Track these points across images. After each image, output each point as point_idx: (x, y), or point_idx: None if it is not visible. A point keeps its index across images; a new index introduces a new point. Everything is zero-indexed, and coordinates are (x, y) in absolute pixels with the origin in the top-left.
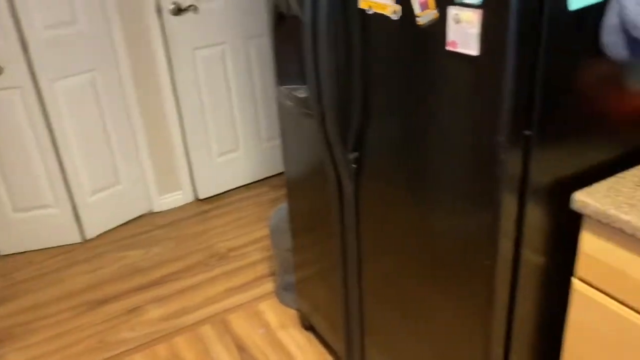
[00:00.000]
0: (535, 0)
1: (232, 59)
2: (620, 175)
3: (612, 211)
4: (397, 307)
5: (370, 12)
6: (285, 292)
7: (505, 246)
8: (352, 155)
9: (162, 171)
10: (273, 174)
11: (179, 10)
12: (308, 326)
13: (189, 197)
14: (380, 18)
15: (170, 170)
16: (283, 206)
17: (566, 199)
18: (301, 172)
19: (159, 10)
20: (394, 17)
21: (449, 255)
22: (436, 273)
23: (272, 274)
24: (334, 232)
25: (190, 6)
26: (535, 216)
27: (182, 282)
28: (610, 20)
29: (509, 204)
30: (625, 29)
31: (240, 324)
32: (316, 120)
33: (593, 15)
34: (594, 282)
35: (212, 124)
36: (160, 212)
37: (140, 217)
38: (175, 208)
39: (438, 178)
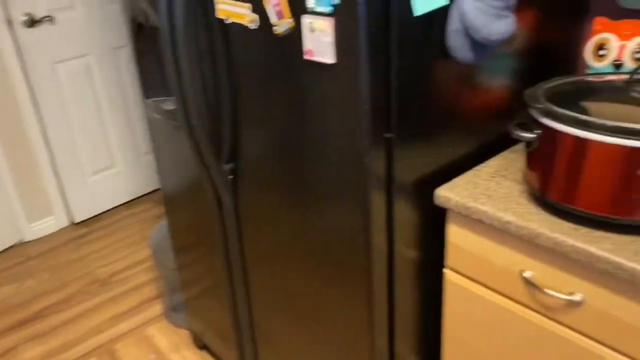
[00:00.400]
0: (382, 7)
1: (100, 70)
2: (477, 168)
3: (471, 203)
4: (286, 312)
5: (229, 22)
6: (175, 312)
7: (379, 243)
8: (228, 167)
9: (30, 197)
10: (156, 188)
11: (33, 22)
12: (201, 345)
13: (63, 222)
14: (240, 27)
15: (39, 195)
16: (164, 223)
17: (431, 194)
18: (178, 187)
19: (9, 23)
20: (252, 26)
21: (330, 256)
22: (320, 273)
23: (160, 295)
24: (216, 246)
25: (45, 17)
26: (405, 213)
27: (61, 315)
28: (453, 24)
29: (377, 204)
30: (467, 33)
31: (129, 352)
32: (186, 132)
33: (439, 20)
34: (463, 271)
35: (83, 141)
36: (32, 241)
37: (9, 248)
38: (48, 235)
39: (313, 182)
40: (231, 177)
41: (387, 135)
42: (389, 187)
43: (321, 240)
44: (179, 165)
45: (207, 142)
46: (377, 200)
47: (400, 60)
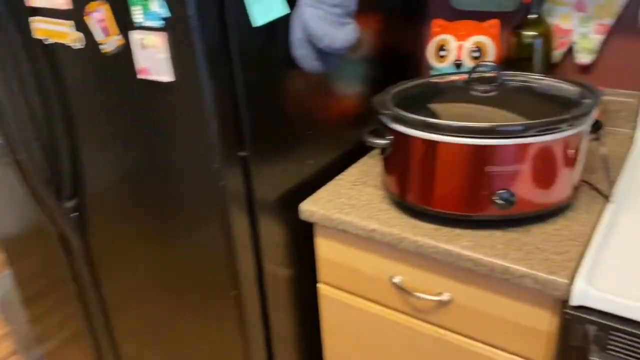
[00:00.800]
0: (217, 19)
1: None
2: (339, 177)
3: (336, 214)
4: (158, 350)
5: (49, 42)
6: None
7: (246, 265)
8: (71, 203)
9: None
10: None
11: None
12: None
13: None
14: (64, 48)
15: None
16: (9, 272)
17: (297, 209)
18: (19, 230)
19: None
20: (78, 46)
21: (197, 284)
22: (189, 304)
23: (15, 352)
24: (70, 291)
25: None
26: (272, 231)
27: None
28: (296, 34)
29: (240, 225)
30: (311, 42)
31: None
32: (16, 169)
33: (281, 30)
34: (336, 283)
35: None
36: None
37: None
38: None
39: (170, 209)
40: (76, 214)
41: (241, 153)
42: (251, 206)
43: (186, 269)
44: (16, 206)
45: (42, 178)
46: (239, 222)
47: (246, 73)
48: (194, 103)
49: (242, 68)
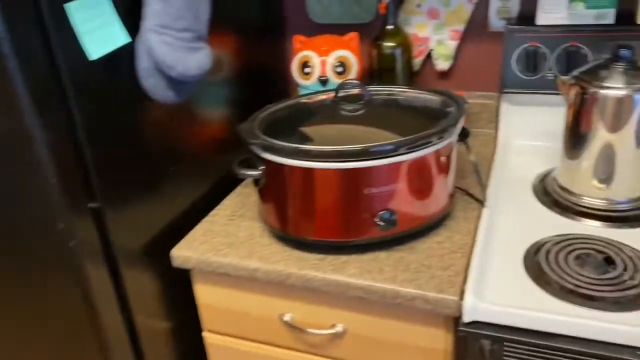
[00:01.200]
0: (42, 56)
1: None
2: (213, 213)
3: (213, 258)
4: None
5: None
6: None
7: (113, 325)
8: None
9: None
10: None
11: None
12: None
13: None
14: None
15: None
16: None
17: (169, 255)
18: None
19: None
20: None
21: (62, 351)
22: None
23: None
24: None
25: None
26: (141, 284)
27: None
28: (142, 63)
29: (99, 283)
30: (161, 70)
31: None
32: None
33: (127, 59)
34: (223, 330)
35: None
36: None
37: None
38: None
39: (18, 270)
40: None
41: (92, 205)
42: (111, 261)
43: (46, 337)
44: None
45: None
46: (98, 280)
47: (86, 114)
48: (25, 157)
49: (81, 108)
